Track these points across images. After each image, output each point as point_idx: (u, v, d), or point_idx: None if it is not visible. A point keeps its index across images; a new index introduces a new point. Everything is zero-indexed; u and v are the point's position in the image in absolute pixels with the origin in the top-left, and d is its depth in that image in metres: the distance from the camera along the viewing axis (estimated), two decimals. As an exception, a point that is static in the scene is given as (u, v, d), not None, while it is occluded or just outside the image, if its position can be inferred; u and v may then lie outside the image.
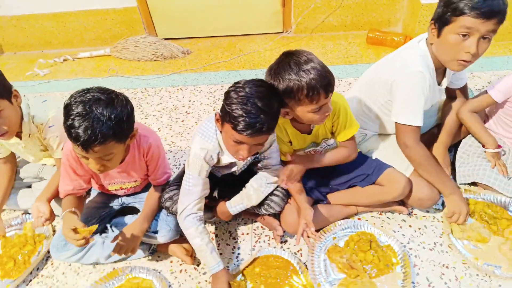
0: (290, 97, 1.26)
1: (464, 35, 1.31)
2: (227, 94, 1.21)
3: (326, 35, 3.14)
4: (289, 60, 1.24)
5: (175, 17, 3.17)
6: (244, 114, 1.16)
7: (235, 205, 1.53)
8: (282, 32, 3.21)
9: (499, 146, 1.68)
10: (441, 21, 1.35)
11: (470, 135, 1.78)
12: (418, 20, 2.73)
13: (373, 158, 1.68)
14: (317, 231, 1.56)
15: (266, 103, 1.18)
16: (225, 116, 1.22)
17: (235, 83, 1.23)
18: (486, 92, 1.67)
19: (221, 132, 1.33)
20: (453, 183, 1.55)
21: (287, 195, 1.56)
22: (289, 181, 1.42)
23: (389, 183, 1.52)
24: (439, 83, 1.56)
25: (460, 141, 1.81)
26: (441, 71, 1.54)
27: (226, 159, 1.42)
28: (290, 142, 1.55)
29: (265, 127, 1.18)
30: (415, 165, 1.54)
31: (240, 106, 1.16)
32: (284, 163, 1.59)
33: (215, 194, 1.70)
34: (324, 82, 1.22)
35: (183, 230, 1.41)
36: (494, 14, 1.26)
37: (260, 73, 2.70)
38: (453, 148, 1.84)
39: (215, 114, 1.30)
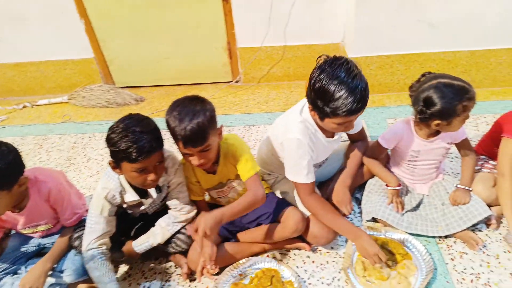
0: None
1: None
2: (108, 139, 1.35)
3: (272, 84, 3.37)
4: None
5: (131, 67, 3.39)
6: (131, 143, 1.29)
7: (140, 243, 1.61)
8: (232, 81, 3.44)
9: (399, 185, 1.82)
10: (320, 112, 1.48)
11: (375, 175, 1.93)
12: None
13: (283, 198, 1.80)
14: (223, 268, 1.64)
15: (144, 124, 1.34)
16: (117, 157, 1.34)
17: (109, 127, 1.37)
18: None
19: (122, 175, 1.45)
20: (355, 228, 1.61)
21: None
22: (206, 237, 1.40)
23: (286, 220, 1.64)
24: (332, 136, 1.72)
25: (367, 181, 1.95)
26: None
27: (129, 197, 1.53)
28: (199, 182, 1.67)
29: (154, 143, 1.33)
30: (312, 213, 1.68)
31: (124, 140, 1.29)
32: (196, 202, 1.70)
33: (132, 233, 1.78)
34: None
35: (85, 265, 1.48)
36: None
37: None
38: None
39: (109, 164, 1.42)
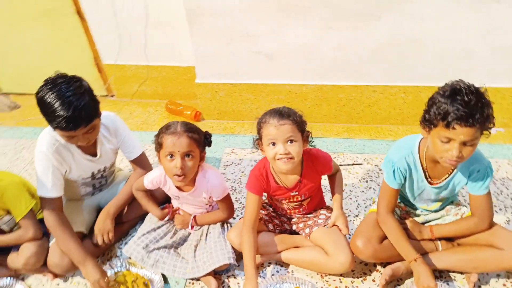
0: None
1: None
2: None
3: (143, 102, 3.36)
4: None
5: (19, 72, 3.44)
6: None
7: None
8: (107, 96, 3.45)
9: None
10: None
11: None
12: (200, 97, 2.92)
13: None
14: None
15: None
16: None
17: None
18: None
19: None
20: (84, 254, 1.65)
21: None
22: None
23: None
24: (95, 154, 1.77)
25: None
26: None
27: None
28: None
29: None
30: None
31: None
32: None
33: None
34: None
35: None
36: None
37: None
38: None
39: None
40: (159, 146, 1.55)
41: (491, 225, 1.57)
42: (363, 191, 2.20)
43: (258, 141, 1.57)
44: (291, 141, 1.45)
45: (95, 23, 3.00)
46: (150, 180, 1.70)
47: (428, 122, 1.39)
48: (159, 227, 1.79)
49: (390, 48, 2.48)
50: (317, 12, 2.41)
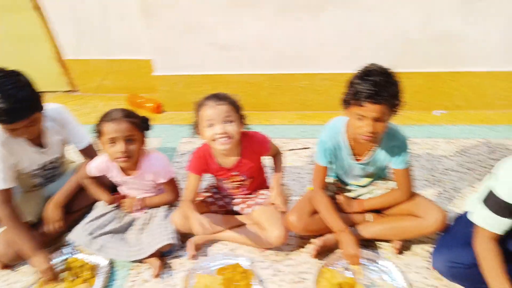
0: None
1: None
2: None
3: (107, 96, 3.42)
4: None
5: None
6: None
7: None
8: (72, 91, 3.50)
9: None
10: None
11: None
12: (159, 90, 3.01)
13: None
14: None
15: None
16: None
17: None
18: None
19: None
20: None
21: None
22: None
23: None
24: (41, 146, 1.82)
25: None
26: None
27: None
28: None
29: None
30: None
31: None
32: None
33: None
34: None
35: None
36: None
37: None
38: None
39: None
40: (100, 134, 1.64)
41: (412, 196, 1.72)
42: (309, 173, 2.33)
43: (196, 126, 1.67)
44: (229, 121, 1.56)
45: (55, 18, 3.05)
46: (95, 166, 1.79)
47: (345, 102, 1.52)
48: (105, 214, 1.87)
49: (339, 38, 2.61)
50: (267, 3, 2.52)
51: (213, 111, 1.55)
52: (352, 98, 1.46)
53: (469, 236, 1.46)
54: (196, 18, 2.63)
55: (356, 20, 2.54)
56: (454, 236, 1.57)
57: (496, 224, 1.38)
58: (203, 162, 1.74)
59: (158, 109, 3.10)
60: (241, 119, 1.64)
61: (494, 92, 2.76)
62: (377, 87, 1.39)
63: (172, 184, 1.85)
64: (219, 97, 1.58)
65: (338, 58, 2.69)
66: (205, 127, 1.59)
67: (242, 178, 1.81)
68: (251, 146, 1.74)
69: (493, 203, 1.37)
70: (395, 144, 1.64)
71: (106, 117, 1.63)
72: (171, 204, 1.92)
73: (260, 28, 2.62)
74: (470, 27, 2.49)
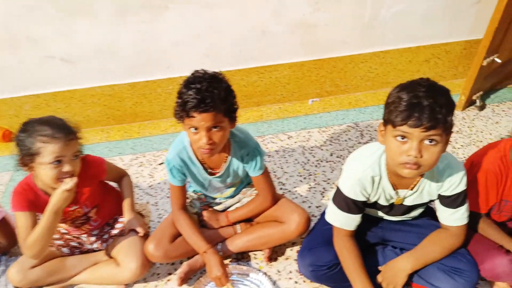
0: None
1: None
2: None
3: None
4: None
5: None
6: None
7: None
8: None
9: None
10: None
11: None
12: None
13: None
14: None
15: None
16: None
17: None
18: None
19: None
20: None
21: None
22: None
23: None
24: None
25: None
26: None
27: None
28: None
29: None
30: None
31: None
32: None
33: None
34: None
35: None
36: None
37: None
38: None
39: None
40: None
41: (274, 200, 1.64)
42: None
43: (28, 158, 1.36)
44: (76, 156, 1.41)
45: None
46: None
47: (176, 115, 1.36)
48: None
49: (192, 37, 2.43)
50: (102, 9, 2.24)
51: (65, 147, 1.36)
52: (181, 110, 1.30)
53: (328, 234, 1.42)
54: (23, 31, 2.25)
55: (204, 16, 2.36)
56: (315, 236, 1.51)
57: (345, 220, 1.35)
58: (28, 195, 1.46)
59: (7, 137, 2.63)
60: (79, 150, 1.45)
61: (358, 75, 2.84)
62: (200, 94, 1.25)
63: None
64: (64, 130, 1.38)
65: (196, 58, 2.51)
66: (48, 163, 1.35)
67: (85, 211, 1.56)
68: (86, 171, 1.50)
69: (340, 199, 1.34)
70: (245, 152, 1.54)
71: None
72: None
73: (101, 37, 2.33)
74: (320, 14, 2.48)
